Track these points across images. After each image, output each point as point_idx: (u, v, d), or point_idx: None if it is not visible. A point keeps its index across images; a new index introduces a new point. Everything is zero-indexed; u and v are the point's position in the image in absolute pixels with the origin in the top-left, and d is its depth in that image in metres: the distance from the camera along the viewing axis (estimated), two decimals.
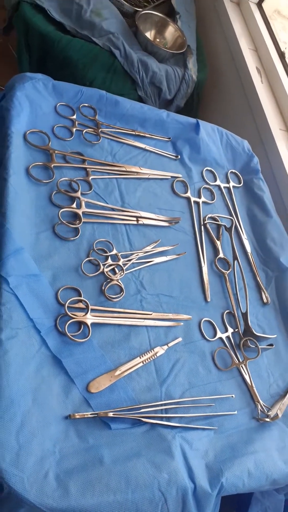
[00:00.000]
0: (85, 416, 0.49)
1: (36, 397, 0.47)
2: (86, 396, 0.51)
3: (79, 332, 0.55)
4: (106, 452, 0.48)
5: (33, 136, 0.66)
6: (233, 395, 0.61)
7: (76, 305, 0.57)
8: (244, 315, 0.69)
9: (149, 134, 0.80)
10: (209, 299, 0.69)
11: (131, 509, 0.46)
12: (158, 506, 0.47)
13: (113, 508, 0.45)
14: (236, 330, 0.68)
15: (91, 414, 0.50)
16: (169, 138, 0.83)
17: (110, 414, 0.50)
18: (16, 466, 0.42)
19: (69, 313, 0.54)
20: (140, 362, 0.57)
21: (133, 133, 0.78)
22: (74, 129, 0.72)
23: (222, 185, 0.85)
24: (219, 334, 0.66)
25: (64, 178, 0.65)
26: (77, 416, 0.49)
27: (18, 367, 0.47)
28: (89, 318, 0.56)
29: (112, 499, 0.45)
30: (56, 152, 0.67)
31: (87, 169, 0.69)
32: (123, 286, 0.61)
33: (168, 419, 0.54)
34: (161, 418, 0.54)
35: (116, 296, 0.60)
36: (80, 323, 0.55)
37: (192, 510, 0.49)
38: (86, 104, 0.75)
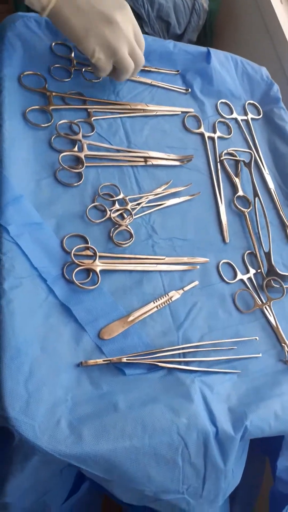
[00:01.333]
0: (98, 362, 0.47)
1: (44, 346, 0.46)
2: (98, 343, 0.49)
3: (88, 279, 0.52)
4: (121, 398, 0.46)
5: (28, 78, 0.62)
6: (257, 338, 0.58)
7: (83, 253, 0.54)
8: (267, 255, 0.64)
9: (155, 68, 0.73)
10: (227, 240, 0.64)
11: (149, 453, 0.44)
12: (178, 450, 0.46)
13: (129, 453, 0.43)
14: (258, 270, 0.63)
15: (104, 361, 0.48)
16: (178, 71, 0.76)
17: (124, 360, 0.48)
18: (26, 414, 0.41)
19: (76, 261, 0.51)
20: (154, 307, 0.54)
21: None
22: (73, 69, 0.67)
23: (239, 118, 0.78)
24: (239, 276, 0.61)
25: (63, 121, 0.60)
26: (90, 363, 0.47)
27: (24, 316, 0.46)
28: (98, 265, 0.53)
29: (128, 444, 0.43)
30: (53, 94, 0.62)
31: (88, 110, 0.64)
32: (132, 232, 0.58)
33: (187, 363, 0.52)
34: (178, 363, 0.51)
35: (126, 242, 0.57)
36: (89, 271, 0.53)
37: (215, 453, 0.47)
38: None
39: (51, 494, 0.55)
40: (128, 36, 0.58)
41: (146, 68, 0.72)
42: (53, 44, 0.66)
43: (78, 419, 0.43)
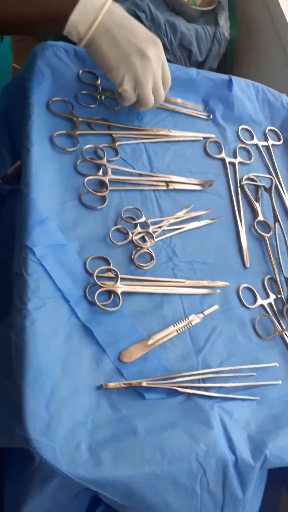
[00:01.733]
0: (119, 385, 0.48)
1: (65, 367, 0.46)
2: (118, 366, 0.50)
3: (109, 301, 0.53)
4: (140, 422, 0.46)
5: (55, 104, 0.64)
6: (277, 364, 0.57)
7: (105, 275, 0.55)
8: (287, 280, 0.64)
9: (180, 100, 0.75)
10: (248, 265, 0.64)
11: (168, 480, 0.44)
12: (197, 478, 0.45)
13: (148, 479, 0.43)
14: (278, 296, 0.63)
15: (124, 384, 0.48)
16: (205, 107, 0.77)
17: (144, 384, 0.48)
18: (47, 436, 0.41)
19: (98, 282, 0.52)
20: (174, 331, 0.54)
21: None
22: (98, 95, 0.69)
23: (260, 144, 0.79)
24: (259, 301, 0.61)
25: (89, 146, 0.62)
26: (110, 386, 0.47)
27: (47, 337, 0.46)
28: (119, 287, 0.54)
29: (147, 470, 0.43)
30: (80, 119, 0.64)
31: (113, 135, 0.66)
32: (153, 254, 0.59)
33: (206, 389, 0.51)
34: (198, 388, 0.51)
35: (147, 264, 0.58)
36: (110, 292, 0.53)
37: (234, 483, 0.47)
38: None
39: None
40: (156, 73, 0.60)
41: (171, 100, 0.74)
42: (81, 71, 0.69)
43: (98, 443, 0.43)
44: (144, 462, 0.43)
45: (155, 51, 0.59)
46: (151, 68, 0.58)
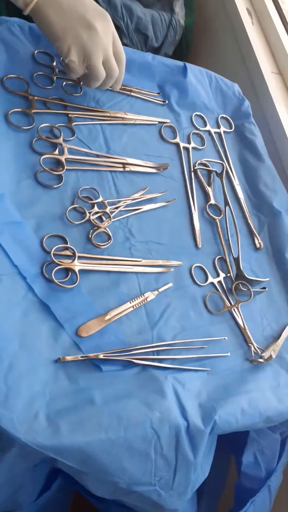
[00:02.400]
0: (76, 358, 0.49)
1: (23, 342, 0.47)
2: (76, 340, 0.51)
3: (67, 279, 0.54)
4: (97, 393, 0.48)
5: (10, 81, 0.63)
6: (226, 338, 0.61)
7: (63, 253, 0.55)
8: (236, 260, 0.68)
9: (136, 88, 0.76)
10: (200, 246, 0.68)
11: (124, 446, 0.46)
12: (151, 443, 0.48)
13: (105, 445, 0.45)
14: (228, 275, 0.67)
15: (81, 357, 0.49)
16: (159, 93, 0.79)
17: (101, 356, 0.50)
18: (5, 407, 0.42)
19: (55, 260, 0.53)
20: (130, 307, 0.56)
21: None
22: (55, 77, 0.68)
23: (212, 130, 0.82)
24: (210, 279, 0.65)
25: (45, 124, 0.62)
26: (68, 359, 0.49)
27: (3, 312, 0.47)
28: (77, 265, 0.55)
29: (104, 437, 0.45)
30: (35, 98, 0.64)
31: (69, 115, 0.66)
32: (111, 234, 0.60)
33: (160, 360, 0.54)
34: (152, 360, 0.53)
35: (104, 243, 0.59)
36: (68, 270, 0.54)
37: (185, 446, 0.49)
38: None
39: (22, 491, 0.56)
40: (106, 46, 0.59)
41: (128, 88, 0.75)
42: (36, 52, 0.68)
43: (56, 412, 0.44)
44: (101, 429, 0.45)
45: (104, 24, 0.59)
46: (99, 40, 0.57)
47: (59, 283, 0.52)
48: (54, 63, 0.69)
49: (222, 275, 0.66)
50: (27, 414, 0.43)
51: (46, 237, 0.55)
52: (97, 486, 0.50)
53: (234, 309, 0.64)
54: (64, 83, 0.68)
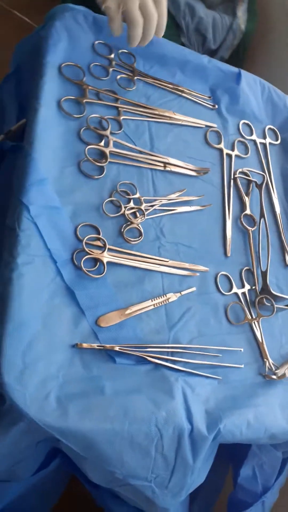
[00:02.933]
0: (92, 346, 0.50)
1: (46, 323, 0.49)
2: (95, 329, 0.52)
3: (95, 268, 0.55)
4: (108, 384, 0.49)
5: (68, 69, 0.64)
6: (242, 349, 0.61)
7: (94, 243, 0.57)
8: (264, 274, 0.68)
9: (188, 90, 0.76)
10: (229, 254, 0.68)
11: (126, 439, 0.47)
12: (154, 440, 0.48)
13: (109, 436, 0.46)
14: (253, 287, 0.67)
15: (97, 346, 0.51)
16: (210, 97, 0.79)
17: (117, 348, 0.51)
18: (20, 383, 0.44)
19: (86, 249, 0.54)
20: (151, 305, 0.57)
21: (171, 85, 0.74)
22: (111, 69, 0.69)
23: (258, 140, 0.81)
24: (234, 289, 0.65)
25: (94, 115, 0.63)
26: (84, 346, 0.50)
27: (32, 292, 0.48)
28: (106, 257, 0.56)
29: (109, 427, 0.46)
30: (89, 87, 0.65)
31: (119, 109, 0.67)
32: (142, 231, 0.61)
33: (173, 362, 0.55)
34: (166, 360, 0.54)
35: (135, 239, 0.60)
36: (96, 260, 0.56)
37: (186, 449, 0.50)
38: (125, 50, 0.72)
39: (22, 464, 0.58)
40: None
41: (179, 88, 0.75)
42: (96, 42, 0.69)
43: (66, 396, 0.46)
44: (107, 419, 0.46)
45: None
46: None
47: (87, 272, 0.53)
48: (112, 55, 0.70)
49: (247, 286, 0.66)
50: (39, 393, 0.45)
51: (80, 225, 0.56)
52: (95, 472, 0.52)
53: (254, 322, 0.63)
54: (119, 77, 0.69)
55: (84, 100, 0.64)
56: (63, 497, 0.76)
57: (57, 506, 0.76)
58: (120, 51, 0.71)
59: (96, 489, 0.63)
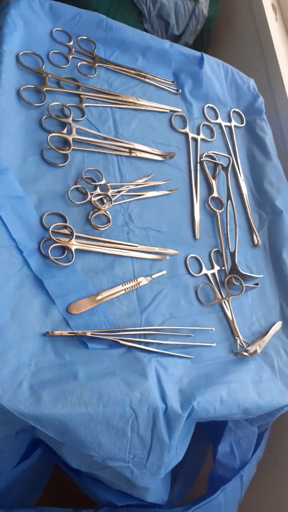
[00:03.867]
0: (63, 334, 0.50)
1: (14, 313, 0.48)
2: (66, 317, 0.52)
3: (63, 256, 0.55)
4: (81, 369, 0.49)
5: (26, 57, 0.64)
6: (213, 328, 0.62)
7: (61, 231, 0.56)
8: (232, 254, 0.69)
9: (151, 75, 0.76)
10: (198, 237, 0.68)
11: (101, 421, 0.48)
12: (129, 421, 0.49)
13: (84, 419, 0.47)
14: (222, 268, 0.68)
15: (69, 333, 0.51)
16: (173, 82, 0.79)
17: (88, 334, 0.52)
18: None
19: (53, 237, 0.54)
20: (122, 290, 0.57)
21: (133, 71, 0.74)
22: (71, 56, 0.69)
23: (223, 124, 0.82)
24: (204, 271, 0.66)
25: (56, 103, 0.63)
26: (56, 333, 0.50)
27: None
28: (74, 244, 0.56)
29: (83, 411, 0.47)
30: (49, 75, 0.64)
31: (81, 96, 0.67)
32: (110, 217, 0.61)
33: (146, 344, 0.55)
34: (139, 343, 0.55)
35: (103, 226, 0.60)
36: (64, 248, 0.56)
37: (162, 428, 0.51)
38: (85, 37, 0.71)
39: (2, 456, 0.58)
40: None
41: (142, 73, 0.75)
42: (54, 30, 0.68)
43: (39, 383, 0.46)
44: (81, 403, 0.47)
45: None
46: None
47: (55, 260, 0.53)
48: (71, 43, 0.69)
49: (216, 267, 0.67)
50: (12, 382, 0.45)
51: (46, 214, 0.56)
52: (74, 458, 0.52)
53: (224, 302, 0.65)
54: (79, 64, 0.68)
55: (44, 89, 0.63)
56: (49, 485, 0.77)
57: (44, 494, 0.76)
58: (79, 38, 0.71)
59: (78, 475, 0.63)
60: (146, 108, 0.73)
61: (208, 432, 0.71)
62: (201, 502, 0.62)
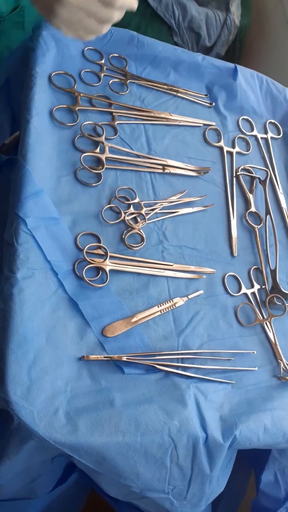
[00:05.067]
0: (99, 358, 0.49)
1: (50, 337, 0.48)
2: (101, 340, 0.51)
3: (97, 277, 0.54)
4: (118, 395, 0.48)
5: (58, 78, 0.64)
6: (255, 351, 0.59)
7: (95, 251, 0.56)
8: (273, 272, 0.66)
9: (183, 89, 0.74)
10: (235, 254, 0.66)
11: (139, 451, 0.46)
12: (168, 451, 0.47)
13: (121, 449, 0.45)
14: (263, 286, 0.65)
15: (105, 357, 0.49)
16: (206, 95, 0.77)
17: (124, 358, 0.50)
18: (27, 400, 0.43)
19: (87, 258, 0.53)
20: (158, 311, 0.56)
21: (166, 86, 0.73)
22: (102, 75, 0.68)
23: (259, 136, 0.79)
24: (243, 290, 0.63)
25: (88, 122, 0.62)
26: (91, 358, 0.49)
27: (33, 306, 0.47)
28: (108, 265, 0.55)
29: (120, 440, 0.45)
30: (81, 95, 0.64)
31: (113, 113, 0.66)
32: (144, 236, 0.60)
33: (184, 368, 0.53)
34: (176, 367, 0.53)
35: (137, 245, 0.59)
36: (98, 269, 0.55)
37: (202, 458, 0.49)
38: (116, 54, 0.71)
39: (39, 481, 0.57)
40: None
41: (174, 88, 0.74)
42: (86, 49, 0.69)
43: (75, 411, 0.45)
44: (118, 432, 0.45)
45: None
46: None
47: (89, 281, 0.52)
48: (103, 61, 0.69)
49: (256, 286, 0.64)
50: (48, 409, 0.43)
51: (80, 234, 0.55)
52: (111, 487, 0.51)
53: (266, 323, 0.62)
54: (111, 81, 0.68)
55: (77, 108, 0.63)
56: (84, 509, 0.75)
57: None
58: (110, 55, 0.70)
59: (115, 501, 0.61)
60: (179, 123, 0.72)
61: (250, 458, 0.67)
62: None
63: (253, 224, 0.70)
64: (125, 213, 0.59)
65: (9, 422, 0.43)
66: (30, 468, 0.51)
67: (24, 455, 0.47)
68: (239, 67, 0.79)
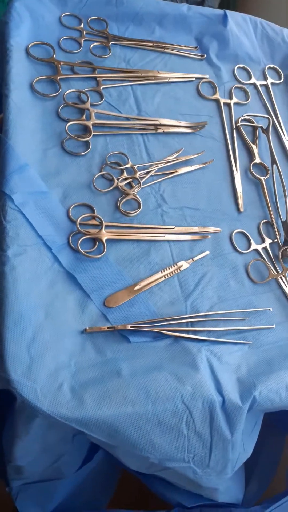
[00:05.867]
0: (102, 329, 0.47)
1: (49, 312, 0.46)
2: (104, 311, 0.49)
3: (94, 249, 0.52)
4: (125, 365, 0.46)
5: (36, 49, 0.61)
6: (271, 308, 0.55)
7: (90, 222, 0.53)
8: (285, 224, 0.61)
9: (170, 44, 0.70)
10: (242, 209, 0.62)
11: (152, 420, 0.44)
12: (183, 418, 0.45)
13: (132, 419, 0.43)
14: (274, 240, 0.61)
15: (108, 328, 0.47)
16: (196, 47, 0.72)
17: (129, 327, 0.48)
18: (28, 378, 0.41)
19: (82, 230, 0.51)
20: (162, 277, 0.53)
21: (151, 44, 0.69)
22: (83, 40, 0.65)
23: (258, 83, 0.74)
24: (254, 246, 0.59)
25: (71, 90, 0.60)
26: (94, 329, 0.47)
27: (28, 283, 0.46)
28: (104, 234, 0.52)
29: (130, 410, 0.43)
30: (62, 63, 0.61)
31: (97, 78, 0.63)
32: (140, 201, 0.57)
33: (194, 332, 0.50)
34: (186, 332, 0.50)
35: (133, 211, 0.56)
36: (95, 240, 0.52)
37: (221, 423, 0.46)
38: (95, 17, 0.67)
39: (63, 460, 0.56)
40: None
41: (161, 44, 0.69)
42: (62, 15, 0.65)
43: (81, 384, 0.43)
44: (128, 402, 0.43)
45: None
46: None
47: (85, 253, 0.50)
48: (82, 25, 0.66)
49: (268, 241, 0.60)
50: (51, 385, 0.42)
51: (72, 206, 0.53)
52: (130, 460, 0.49)
53: (281, 278, 0.58)
54: (92, 46, 0.65)
55: (58, 77, 0.60)
56: (120, 485, 0.74)
57: (115, 495, 0.74)
58: (89, 19, 0.67)
59: (143, 476, 0.60)
60: (170, 80, 0.68)
61: (283, 422, 0.64)
62: (280, 499, 0.56)
63: (259, 176, 0.65)
64: (118, 179, 0.57)
65: (13, 401, 0.42)
66: (49, 447, 0.51)
67: (36, 434, 0.46)
68: (229, 12, 0.73)
